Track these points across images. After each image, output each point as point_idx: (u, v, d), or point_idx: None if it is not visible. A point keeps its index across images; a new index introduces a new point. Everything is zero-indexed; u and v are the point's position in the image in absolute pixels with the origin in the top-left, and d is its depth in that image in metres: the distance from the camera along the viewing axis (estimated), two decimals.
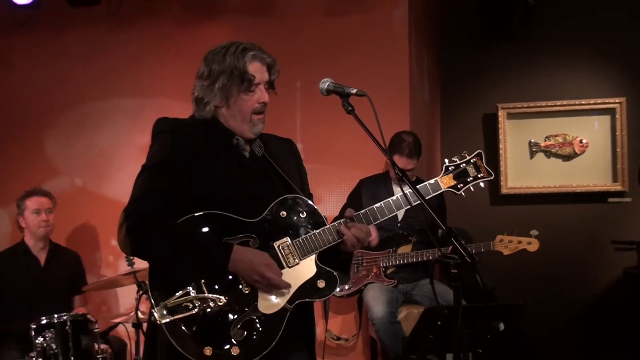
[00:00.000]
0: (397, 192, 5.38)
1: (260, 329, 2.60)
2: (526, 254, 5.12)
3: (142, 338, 4.95)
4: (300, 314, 2.72)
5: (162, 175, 2.63)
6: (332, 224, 2.77)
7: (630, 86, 6.59)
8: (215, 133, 2.80)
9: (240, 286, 2.61)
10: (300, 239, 2.73)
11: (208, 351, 2.51)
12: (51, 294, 5.33)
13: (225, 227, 2.66)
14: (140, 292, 4.86)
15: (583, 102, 6.61)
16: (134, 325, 4.92)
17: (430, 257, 5.04)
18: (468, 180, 2.92)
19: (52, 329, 4.56)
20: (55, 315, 4.62)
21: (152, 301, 2.54)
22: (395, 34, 5.80)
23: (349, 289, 5.27)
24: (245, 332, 2.57)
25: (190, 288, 2.55)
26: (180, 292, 2.54)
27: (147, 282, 2.59)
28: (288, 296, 2.66)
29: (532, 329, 6.05)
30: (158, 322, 2.50)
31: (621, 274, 5.76)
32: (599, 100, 6.60)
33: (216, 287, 2.58)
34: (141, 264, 5.15)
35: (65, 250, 5.66)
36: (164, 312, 2.50)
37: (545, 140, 6.71)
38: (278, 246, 2.70)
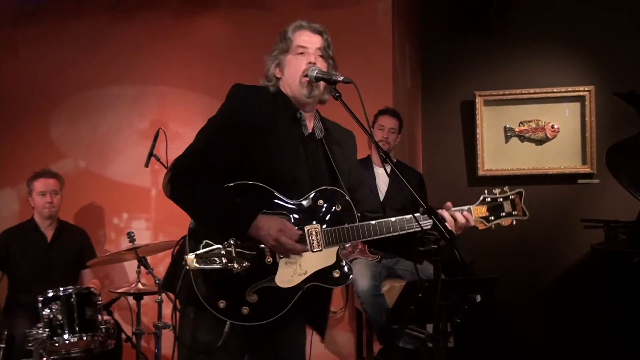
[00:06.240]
0: (379, 173, 5.42)
1: (272, 299, 2.65)
2: (501, 232, 5.09)
3: (142, 309, 4.97)
4: (312, 295, 2.74)
5: (217, 138, 2.68)
6: (361, 223, 2.76)
7: (599, 75, 6.58)
8: (281, 104, 2.80)
9: (265, 256, 2.66)
10: (329, 229, 2.74)
11: (222, 304, 2.60)
12: (57, 269, 5.31)
13: (267, 202, 2.69)
14: (141, 266, 4.88)
15: (555, 90, 6.61)
16: (135, 297, 4.93)
17: None
18: (501, 215, 2.91)
19: (58, 301, 4.55)
20: (61, 288, 4.61)
21: (187, 248, 2.62)
22: (379, 25, 5.77)
23: None
24: (258, 298, 2.63)
25: (222, 246, 2.60)
26: (213, 246, 2.61)
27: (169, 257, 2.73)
28: (304, 276, 2.70)
29: (505, 301, 6.07)
30: (188, 267, 2.58)
31: (589, 250, 5.77)
32: (569, 89, 6.60)
33: (244, 252, 2.63)
34: (141, 240, 5.17)
35: (73, 227, 5.62)
36: (195, 260, 2.57)
37: (519, 126, 6.71)
38: (308, 230, 2.72)
